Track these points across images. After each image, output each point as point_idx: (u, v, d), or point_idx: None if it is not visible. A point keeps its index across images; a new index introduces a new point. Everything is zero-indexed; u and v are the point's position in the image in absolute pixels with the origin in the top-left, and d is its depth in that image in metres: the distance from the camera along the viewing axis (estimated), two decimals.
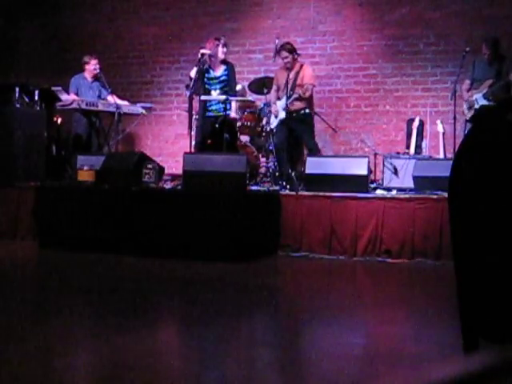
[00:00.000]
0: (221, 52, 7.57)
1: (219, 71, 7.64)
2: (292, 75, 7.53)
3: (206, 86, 7.67)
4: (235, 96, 7.81)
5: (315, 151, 7.67)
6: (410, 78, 8.76)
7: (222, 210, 5.89)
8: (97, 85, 8.72)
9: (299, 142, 7.93)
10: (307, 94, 7.49)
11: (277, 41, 7.98)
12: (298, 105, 7.56)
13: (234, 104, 7.89)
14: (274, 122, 7.70)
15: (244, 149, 7.95)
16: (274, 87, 7.82)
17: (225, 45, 7.64)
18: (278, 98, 7.72)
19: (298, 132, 7.68)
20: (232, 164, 6.34)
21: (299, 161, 8.37)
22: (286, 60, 7.56)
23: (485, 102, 7.36)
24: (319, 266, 5.98)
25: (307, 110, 7.62)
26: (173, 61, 10.06)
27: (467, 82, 7.66)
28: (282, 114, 7.53)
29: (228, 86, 7.66)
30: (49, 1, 10.74)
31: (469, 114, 7.53)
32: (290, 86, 7.47)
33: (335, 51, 9.18)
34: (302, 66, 7.64)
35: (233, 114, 7.90)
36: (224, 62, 7.68)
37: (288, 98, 7.43)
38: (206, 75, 7.64)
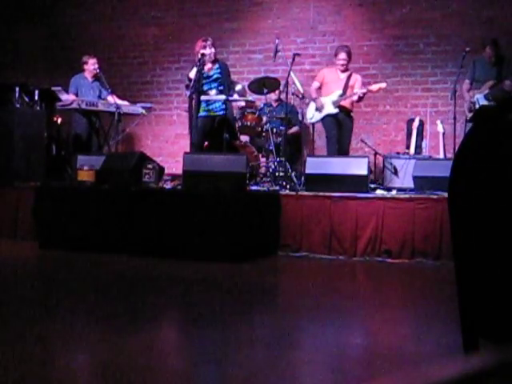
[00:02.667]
0: (209, 52, 7.59)
1: (211, 70, 7.66)
2: (343, 77, 7.78)
3: (205, 86, 7.70)
4: (230, 92, 7.83)
5: (346, 153, 7.79)
6: (410, 78, 8.77)
7: (222, 210, 5.89)
8: (97, 85, 8.72)
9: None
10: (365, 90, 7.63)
11: (277, 41, 7.98)
12: (348, 105, 7.77)
13: (215, 94, 7.82)
14: (314, 117, 7.85)
15: (244, 149, 7.95)
16: (317, 84, 7.95)
17: (212, 45, 7.67)
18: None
19: (342, 129, 7.78)
20: (232, 164, 6.34)
21: (299, 161, 8.38)
22: (343, 62, 7.80)
23: (486, 103, 7.36)
24: (319, 266, 5.98)
25: (352, 114, 7.89)
26: (173, 61, 10.06)
27: (467, 81, 7.67)
28: (331, 109, 7.68)
29: (222, 84, 7.68)
30: (49, 1, 10.74)
31: (469, 115, 7.53)
32: (338, 87, 7.75)
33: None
34: (351, 72, 7.90)
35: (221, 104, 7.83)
36: (216, 61, 7.71)
37: (343, 95, 7.67)
38: (203, 75, 7.67)
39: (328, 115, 7.72)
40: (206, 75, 7.68)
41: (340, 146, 7.79)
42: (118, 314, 3.85)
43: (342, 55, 7.82)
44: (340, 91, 7.70)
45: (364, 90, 7.62)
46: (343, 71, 7.83)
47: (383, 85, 7.68)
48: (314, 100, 7.84)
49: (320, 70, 8.21)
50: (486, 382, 0.75)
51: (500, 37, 7.77)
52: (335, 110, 7.70)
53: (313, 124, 8.22)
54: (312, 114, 7.87)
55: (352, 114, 7.91)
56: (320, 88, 7.95)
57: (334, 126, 7.77)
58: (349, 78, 7.78)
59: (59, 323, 3.63)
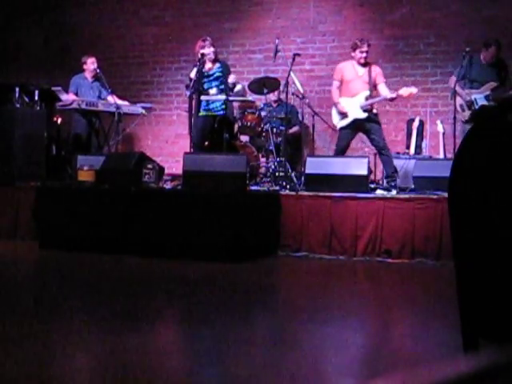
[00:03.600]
0: (208, 52, 7.59)
1: (212, 69, 7.67)
2: (363, 72, 7.33)
3: (205, 85, 7.71)
4: (230, 88, 7.85)
5: (387, 150, 7.32)
6: (410, 78, 8.75)
7: (222, 210, 5.89)
8: (97, 85, 8.72)
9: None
10: (394, 95, 7.21)
11: (277, 41, 7.97)
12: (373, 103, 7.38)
13: (216, 92, 7.79)
14: (340, 122, 7.35)
15: (244, 149, 7.96)
16: (337, 83, 7.43)
17: (212, 44, 7.68)
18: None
19: (372, 132, 7.31)
20: (232, 164, 6.34)
21: (299, 161, 8.37)
22: (365, 55, 7.31)
23: (485, 103, 7.35)
24: (319, 266, 5.98)
25: (375, 111, 7.41)
26: (173, 61, 10.06)
27: (454, 78, 7.52)
28: (360, 113, 7.21)
29: (223, 83, 7.69)
30: (49, 1, 10.74)
31: (466, 114, 7.47)
32: (361, 84, 7.29)
33: (335, 51, 9.18)
34: (370, 63, 7.43)
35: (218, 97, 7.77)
36: (217, 60, 7.72)
37: (370, 97, 7.23)
38: (204, 74, 7.69)
39: (352, 122, 7.25)
40: (207, 74, 7.69)
41: (377, 147, 7.37)
42: (117, 314, 3.84)
43: (364, 47, 7.28)
44: (367, 92, 7.21)
45: (393, 95, 7.15)
46: (363, 65, 7.33)
47: (414, 90, 7.14)
48: (336, 105, 7.35)
49: (336, 68, 7.63)
50: (486, 382, 0.75)
51: (500, 37, 7.76)
52: (364, 115, 7.18)
53: (313, 124, 8.22)
54: (338, 120, 7.37)
55: (374, 111, 7.36)
56: (340, 86, 7.43)
57: (348, 136, 7.38)
58: (369, 72, 7.30)
59: (59, 323, 3.63)
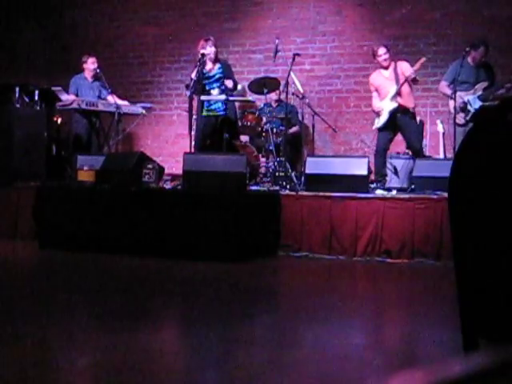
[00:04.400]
0: (208, 52, 7.59)
1: (213, 70, 7.67)
2: (389, 73, 7.57)
3: (206, 86, 7.71)
4: (235, 88, 7.85)
5: (421, 153, 7.47)
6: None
7: (222, 209, 5.89)
8: (97, 85, 8.72)
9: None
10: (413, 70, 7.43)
11: (277, 41, 7.98)
12: (407, 102, 7.53)
13: (217, 93, 7.80)
14: (377, 121, 7.60)
15: (244, 149, 7.96)
16: (374, 94, 7.72)
17: (214, 44, 7.67)
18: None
19: (407, 131, 7.54)
20: (232, 164, 6.34)
21: (299, 161, 8.37)
22: (384, 57, 7.55)
23: (479, 103, 7.35)
24: (319, 266, 5.98)
25: (411, 110, 7.60)
26: (173, 61, 10.06)
27: (445, 83, 7.61)
28: (390, 104, 7.45)
29: (231, 89, 7.69)
30: (49, 1, 10.74)
31: (460, 117, 7.44)
32: (390, 84, 7.51)
33: (335, 51, 9.18)
34: (395, 63, 7.62)
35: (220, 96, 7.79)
36: (217, 60, 7.72)
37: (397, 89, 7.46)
38: (207, 75, 7.69)
39: (390, 112, 7.41)
40: (208, 75, 7.68)
41: (410, 147, 7.48)
42: (117, 314, 3.84)
43: (382, 50, 7.53)
44: (394, 87, 7.42)
45: (411, 73, 7.36)
46: (386, 67, 7.55)
47: (423, 59, 7.42)
48: (378, 114, 7.56)
49: (369, 80, 7.86)
50: (486, 381, 0.75)
51: (500, 37, 7.77)
52: (394, 104, 7.40)
53: (313, 124, 8.22)
54: (377, 121, 7.56)
55: (412, 111, 7.55)
56: (379, 95, 7.64)
57: (384, 139, 7.53)
58: (395, 70, 7.50)
59: (59, 323, 3.63)
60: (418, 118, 7.85)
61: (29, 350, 3.03)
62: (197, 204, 6.00)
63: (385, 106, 7.48)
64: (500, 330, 1.98)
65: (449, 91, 7.49)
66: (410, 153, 7.63)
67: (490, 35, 7.95)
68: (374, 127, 7.70)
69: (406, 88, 7.53)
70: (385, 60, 7.57)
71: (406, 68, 7.54)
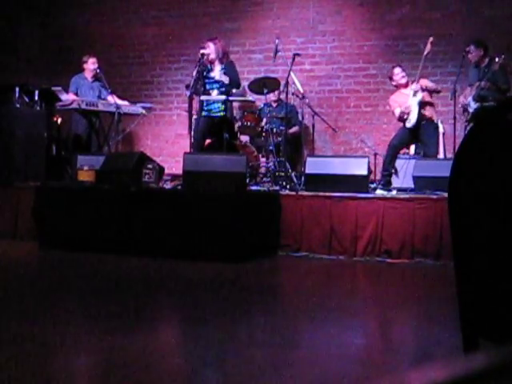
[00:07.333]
0: (208, 52, 7.58)
1: (214, 71, 7.67)
2: (409, 91, 7.32)
3: (207, 86, 7.70)
4: (237, 87, 7.85)
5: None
6: (409, 77, 8.75)
7: (222, 210, 5.89)
8: (97, 85, 8.72)
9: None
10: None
11: (277, 41, 7.98)
12: (432, 113, 7.33)
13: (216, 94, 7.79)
14: (411, 121, 7.27)
15: (244, 149, 7.96)
16: (398, 109, 7.35)
17: (220, 45, 7.69)
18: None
19: (425, 143, 7.35)
20: (232, 164, 6.34)
21: (299, 161, 8.38)
22: (400, 76, 7.45)
23: (474, 104, 7.37)
24: (319, 266, 5.98)
25: (436, 121, 7.42)
26: (173, 61, 10.06)
27: (469, 89, 7.60)
28: (413, 100, 7.21)
29: (227, 85, 7.67)
30: (49, 1, 10.74)
31: (463, 117, 7.49)
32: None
33: (335, 51, 9.18)
34: (412, 82, 7.43)
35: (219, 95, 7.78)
36: (222, 61, 7.71)
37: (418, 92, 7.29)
38: (207, 75, 7.67)
39: (419, 110, 7.20)
40: (211, 76, 7.67)
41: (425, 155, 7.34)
42: (117, 314, 3.84)
43: (397, 69, 7.43)
44: (413, 86, 7.23)
45: (431, 85, 7.29)
46: (406, 85, 7.39)
47: (431, 38, 7.35)
48: (407, 114, 7.25)
49: (389, 101, 7.64)
50: (486, 381, 0.75)
51: (500, 37, 7.77)
52: (419, 96, 7.16)
53: (313, 124, 8.23)
54: (408, 120, 7.26)
55: (436, 122, 7.41)
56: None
57: (401, 138, 7.34)
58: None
59: (59, 323, 3.63)
60: (440, 131, 7.73)
61: (29, 350, 3.03)
62: (197, 204, 6.00)
63: (412, 102, 7.18)
64: (500, 330, 1.98)
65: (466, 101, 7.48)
66: (410, 153, 7.64)
67: (490, 35, 7.95)
68: (407, 126, 7.27)
69: (428, 99, 7.32)
70: (403, 77, 7.40)
71: (424, 81, 7.34)
